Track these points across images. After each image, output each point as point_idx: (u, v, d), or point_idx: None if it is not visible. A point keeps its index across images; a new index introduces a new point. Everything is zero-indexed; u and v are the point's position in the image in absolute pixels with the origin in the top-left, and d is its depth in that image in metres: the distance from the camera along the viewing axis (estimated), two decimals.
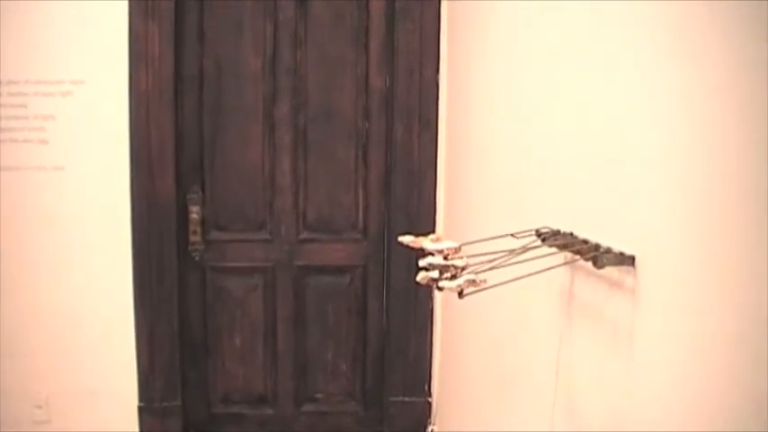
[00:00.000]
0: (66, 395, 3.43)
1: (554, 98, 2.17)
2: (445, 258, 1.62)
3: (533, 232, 1.99)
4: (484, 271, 1.61)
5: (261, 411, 3.73)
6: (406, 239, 1.94)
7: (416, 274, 1.66)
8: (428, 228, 3.45)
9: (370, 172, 3.63)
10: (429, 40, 3.46)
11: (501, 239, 1.92)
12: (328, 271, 3.70)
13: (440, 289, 1.63)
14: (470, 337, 3.07)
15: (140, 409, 3.49)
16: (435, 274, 1.61)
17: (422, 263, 1.63)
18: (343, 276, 3.71)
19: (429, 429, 3.70)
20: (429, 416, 3.71)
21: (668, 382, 1.49)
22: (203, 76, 3.48)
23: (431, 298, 3.63)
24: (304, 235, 3.65)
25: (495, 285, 1.62)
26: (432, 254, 1.63)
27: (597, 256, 1.64)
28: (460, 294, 1.56)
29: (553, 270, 1.93)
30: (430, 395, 3.70)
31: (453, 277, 1.57)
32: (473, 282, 1.54)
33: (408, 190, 3.55)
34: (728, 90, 1.29)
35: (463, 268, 1.58)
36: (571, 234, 1.91)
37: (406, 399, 3.69)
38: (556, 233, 1.94)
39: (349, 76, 3.57)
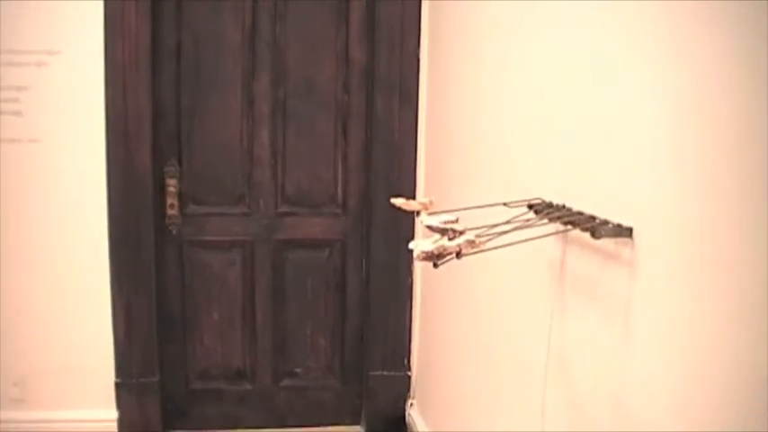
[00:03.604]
0: (42, 372, 3.38)
1: (542, 69, 2.15)
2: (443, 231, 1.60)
3: (525, 205, 1.98)
4: (481, 236, 1.59)
5: (239, 387, 3.71)
6: (398, 202, 1.92)
7: (410, 244, 1.63)
8: None
9: (350, 145, 3.61)
10: (410, 12, 3.43)
11: (491, 212, 1.90)
12: (307, 245, 3.67)
13: (436, 266, 1.60)
14: (454, 311, 3.06)
15: (117, 386, 3.45)
16: (431, 246, 1.58)
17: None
18: (322, 251, 3.69)
19: (408, 403, 3.71)
20: (409, 390, 3.72)
21: (666, 358, 1.48)
22: (181, 48, 3.42)
23: (410, 272, 3.63)
24: (283, 209, 3.62)
25: (488, 250, 1.60)
26: (429, 227, 1.61)
27: (595, 226, 1.63)
28: (458, 255, 1.54)
29: (544, 243, 1.93)
30: (410, 369, 3.71)
31: (451, 240, 1.55)
32: (472, 242, 1.52)
33: (389, 164, 3.53)
34: (731, 55, 1.28)
35: (461, 232, 1.56)
36: (563, 206, 1.90)
37: (386, 373, 3.70)
38: (549, 205, 1.93)
39: (329, 49, 3.53)
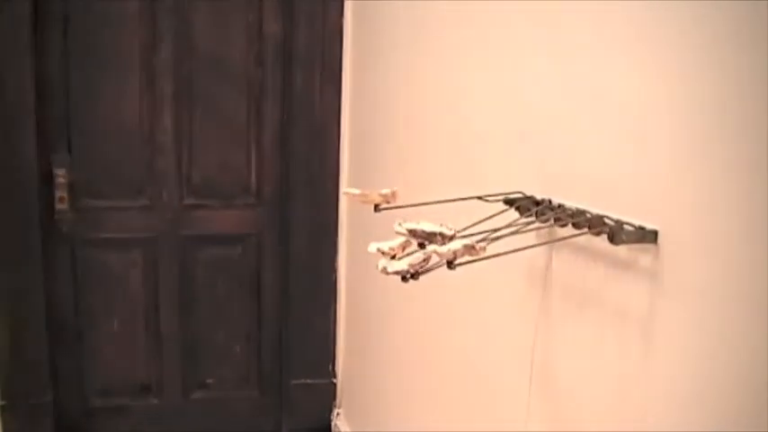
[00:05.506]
0: None
1: (511, 21, 1.85)
2: (421, 244, 1.27)
3: (501, 200, 1.66)
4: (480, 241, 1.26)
5: (145, 402, 3.48)
6: (353, 192, 1.62)
7: (369, 246, 1.32)
8: (330, 191, 3.31)
9: (265, 128, 3.37)
10: None
11: (451, 208, 1.58)
12: (218, 241, 3.45)
13: (405, 280, 1.28)
14: (388, 313, 2.82)
15: (3, 409, 3.15)
16: (402, 265, 1.25)
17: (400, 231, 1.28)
18: (235, 247, 3.47)
19: (334, 413, 3.53)
20: (334, 399, 3.53)
21: (700, 386, 1.23)
22: (69, 16, 3.09)
23: (334, 269, 3.43)
24: (189, 201, 3.38)
25: (485, 258, 1.27)
26: (408, 232, 1.28)
27: (613, 229, 1.32)
28: (450, 264, 1.22)
29: (521, 244, 1.61)
30: (335, 376, 3.53)
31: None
32: (472, 248, 1.21)
33: (309, 148, 3.33)
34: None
35: (451, 237, 1.25)
36: (550, 202, 1.59)
37: (309, 381, 3.54)
38: (535, 202, 1.61)
39: (241, 20, 3.26)
